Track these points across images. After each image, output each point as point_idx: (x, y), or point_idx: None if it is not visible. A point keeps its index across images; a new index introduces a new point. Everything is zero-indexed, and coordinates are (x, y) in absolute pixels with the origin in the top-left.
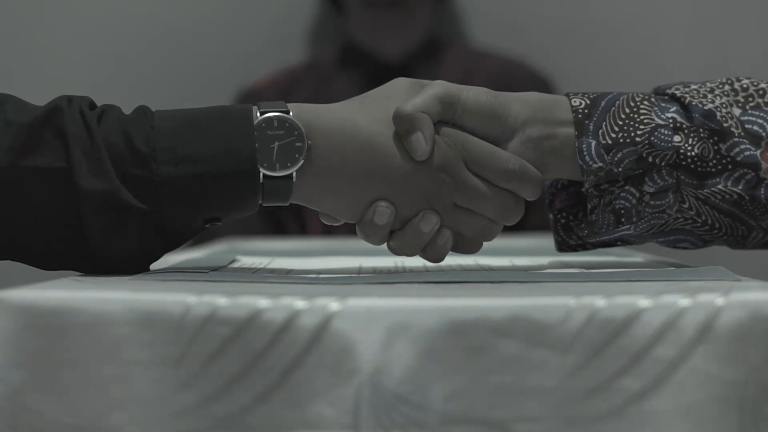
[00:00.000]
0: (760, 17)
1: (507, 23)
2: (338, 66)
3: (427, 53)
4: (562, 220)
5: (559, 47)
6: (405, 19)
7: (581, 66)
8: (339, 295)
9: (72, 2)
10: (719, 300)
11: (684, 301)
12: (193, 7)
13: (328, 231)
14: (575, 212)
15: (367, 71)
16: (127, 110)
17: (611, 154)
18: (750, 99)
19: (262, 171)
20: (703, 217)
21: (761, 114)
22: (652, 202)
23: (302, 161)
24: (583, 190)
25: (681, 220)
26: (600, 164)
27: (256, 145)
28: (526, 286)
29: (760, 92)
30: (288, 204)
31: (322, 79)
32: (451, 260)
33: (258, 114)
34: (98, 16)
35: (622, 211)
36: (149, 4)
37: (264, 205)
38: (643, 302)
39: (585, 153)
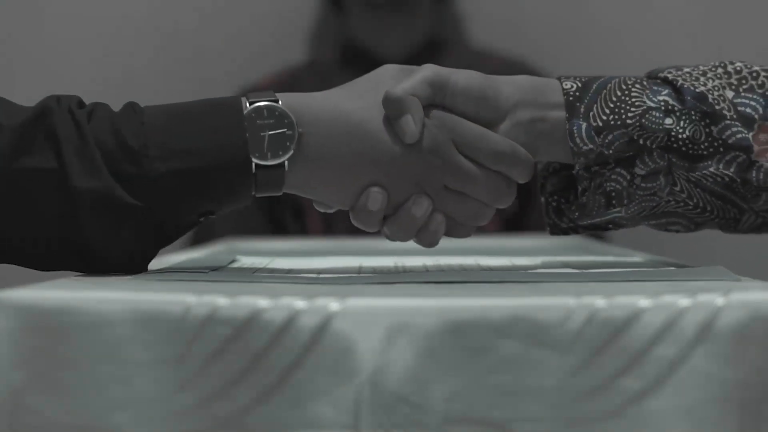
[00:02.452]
0: (759, 18)
1: (507, 23)
2: (338, 66)
3: (427, 54)
4: (554, 204)
5: (559, 47)
6: (405, 20)
7: (581, 66)
8: (339, 295)
9: (72, 2)
10: (719, 300)
11: (684, 301)
12: (193, 8)
13: (328, 231)
14: (567, 195)
15: (368, 71)
16: None
17: (602, 136)
18: (743, 81)
19: (254, 161)
20: (695, 200)
21: (754, 96)
22: (643, 185)
23: (293, 149)
24: (573, 172)
25: (672, 203)
26: (590, 146)
27: (247, 135)
28: (526, 286)
29: (753, 75)
30: (281, 193)
31: (323, 79)
32: (451, 260)
33: (247, 104)
34: (98, 16)
35: (613, 194)
36: (150, 4)
37: (257, 195)
38: (643, 302)
39: (575, 135)
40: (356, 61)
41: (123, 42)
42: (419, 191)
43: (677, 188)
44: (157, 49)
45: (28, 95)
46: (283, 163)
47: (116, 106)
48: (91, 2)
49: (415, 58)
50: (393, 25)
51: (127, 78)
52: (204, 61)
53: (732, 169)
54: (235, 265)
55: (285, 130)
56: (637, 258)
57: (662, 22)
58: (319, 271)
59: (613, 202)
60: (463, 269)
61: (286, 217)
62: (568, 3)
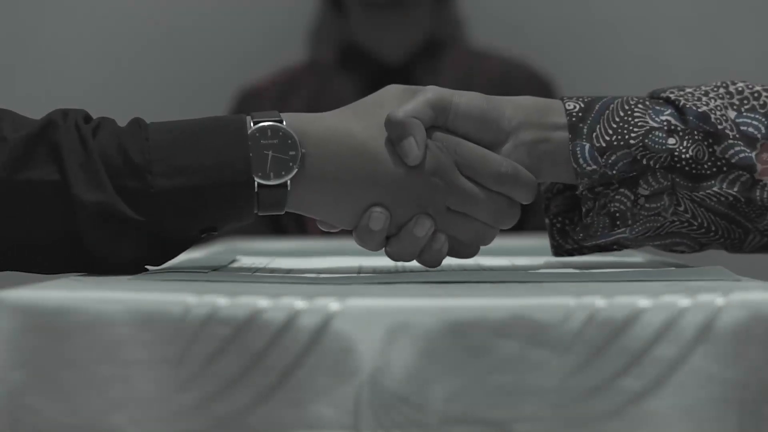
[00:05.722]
0: (759, 18)
1: (507, 23)
2: (338, 66)
3: (427, 54)
4: (558, 225)
5: (559, 47)
6: (405, 20)
7: (581, 66)
8: (339, 295)
9: (72, 2)
10: (719, 300)
11: (684, 301)
12: (193, 8)
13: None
14: (571, 216)
15: (367, 72)
16: (127, 112)
17: (605, 156)
18: (745, 101)
19: (257, 180)
20: (699, 220)
21: (756, 116)
22: (647, 205)
23: (296, 169)
24: (577, 192)
25: (677, 223)
26: (594, 167)
27: (250, 154)
28: (526, 286)
29: (755, 95)
30: (284, 212)
31: (322, 79)
32: (451, 260)
33: (251, 123)
34: (99, 16)
35: (617, 214)
36: (150, 5)
37: (260, 214)
38: (643, 302)
39: (579, 156)
40: (356, 61)
41: (122, 42)
42: (422, 212)
43: (681, 208)
44: (157, 49)
45: (27, 95)
46: (286, 182)
47: (116, 106)
48: (91, 2)
49: (414, 58)
50: (393, 25)
51: (126, 78)
52: (204, 61)
53: (735, 189)
54: (235, 265)
55: (288, 150)
56: (637, 258)
57: (662, 22)
58: (319, 271)
59: (618, 222)
60: (463, 269)
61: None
62: (568, 3)
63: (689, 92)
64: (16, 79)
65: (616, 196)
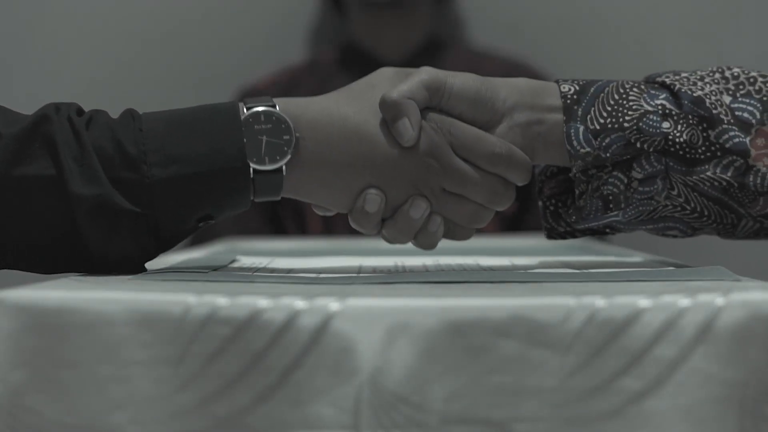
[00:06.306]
0: (757, 18)
1: (507, 23)
2: (338, 66)
3: (427, 54)
4: (551, 207)
5: (559, 47)
6: (405, 20)
7: (581, 66)
8: (339, 295)
9: (73, 1)
10: (719, 300)
11: (684, 301)
12: (193, 7)
13: (328, 231)
14: (564, 199)
15: (367, 71)
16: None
17: (599, 139)
18: (740, 87)
19: (252, 166)
20: (692, 204)
21: (751, 101)
22: (640, 188)
23: (291, 154)
24: (570, 175)
25: (670, 207)
26: (588, 149)
27: (245, 140)
28: (526, 286)
29: (751, 80)
30: (280, 198)
31: (322, 79)
32: (451, 260)
33: (245, 109)
34: (99, 15)
35: (610, 197)
36: (150, 4)
37: (256, 200)
38: (643, 302)
39: (573, 138)
40: (356, 61)
41: (123, 41)
42: (417, 193)
43: (674, 192)
44: (157, 49)
45: (26, 94)
46: (281, 167)
47: (116, 106)
48: (90, 1)
49: (414, 58)
50: (393, 25)
51: (126, 77)
52: (203, 61)
53: (729, 174)
54: (235, 265)
55: (282, 134)
56: (637, 258)
57: (662, 22)
58: (319, 271)
59: (611, 205)
60: (463, 269)
61: (286, 218)
62: (568, 3)
63: (685, 77)
64: (13, 77)
65: (610, 179)
